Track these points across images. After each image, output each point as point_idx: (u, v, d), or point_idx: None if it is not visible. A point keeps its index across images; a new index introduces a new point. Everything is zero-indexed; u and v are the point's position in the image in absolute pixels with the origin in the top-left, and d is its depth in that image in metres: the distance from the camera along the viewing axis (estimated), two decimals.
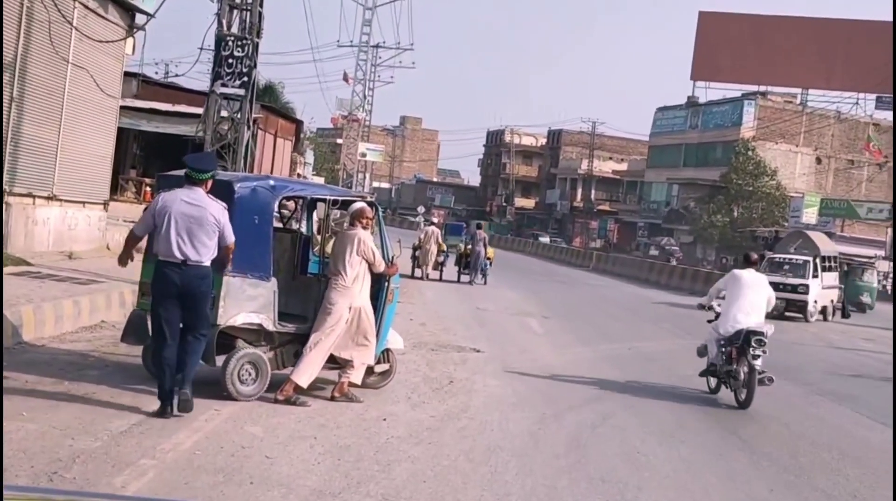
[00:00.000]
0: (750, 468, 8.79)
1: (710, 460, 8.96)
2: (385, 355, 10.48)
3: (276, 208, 9.71)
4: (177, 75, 56.31)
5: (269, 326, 9.25)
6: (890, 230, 62.00)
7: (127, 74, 32.32)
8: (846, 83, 72.76)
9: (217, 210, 8.23)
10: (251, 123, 16.27)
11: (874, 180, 72.38)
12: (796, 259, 30.62)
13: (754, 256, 13.30)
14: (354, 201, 10.16)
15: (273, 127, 43.97)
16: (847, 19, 75.84)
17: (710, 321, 12.95)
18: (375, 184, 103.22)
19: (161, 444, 7.20)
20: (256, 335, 9.31)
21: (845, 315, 31.52)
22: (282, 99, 61.05)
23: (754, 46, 76.10)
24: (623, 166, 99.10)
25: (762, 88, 75.83)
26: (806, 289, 28.65)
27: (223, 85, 15.92)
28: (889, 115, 71.42)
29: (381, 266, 9.69)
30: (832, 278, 31.27)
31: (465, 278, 30.96)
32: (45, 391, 8.57)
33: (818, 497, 7.98)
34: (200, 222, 8.15)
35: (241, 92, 16.15)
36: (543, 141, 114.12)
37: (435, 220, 40.24)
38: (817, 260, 29.86)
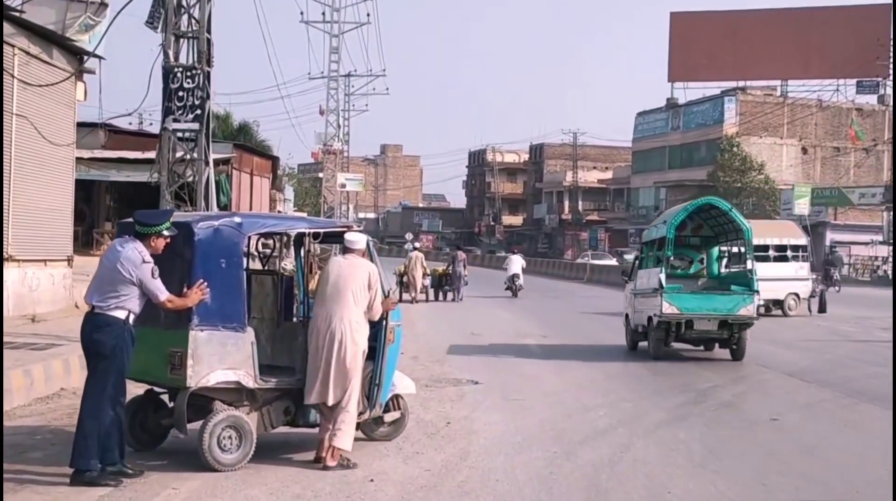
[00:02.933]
0: (799, 498, 7.60)
1: (753, 492, 7.76)
2: (395, 401, 9.34)
3: (246, 248, 8.69)
4: (151, 123, 55.41)
5: (250, 383, 8.16)
6: (885, 214, 61.08)
7: (91, 125, 31.49)
8: (824, 71, 72.02)
9: (127, 259, 7.57)
10: (209, 159, 15.06)
11: (862, 166, 71.59)
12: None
13: None
14: (340, 233, 9.20)
15: (248, 166, 43.05)
16: (820, 7, 75.15)
17: None
18: (361, 215, 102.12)
19: None
20: (236, 394, 8.23)
21: (822, 309, 29.14)
22: (257, 138, 60.15)
23: (729, 43, 75.39)
24: (608, 175, 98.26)
25: (741, 84, 75.12)
26: None
27: (175, 120, 14.74)
28: (871, 98, 70.82)
29: (378, 312, 8.56)
30: (791, 268, 28.67)
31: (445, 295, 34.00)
32: None
33: None
34: (112, 271, 7.63)
35: (195, 126, 14.97)
36: (526, 157, 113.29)
37: (418, 245, 40.90)
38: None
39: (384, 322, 8.69)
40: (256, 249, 10.02)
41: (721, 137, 70.23)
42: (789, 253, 28.84)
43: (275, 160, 50.59)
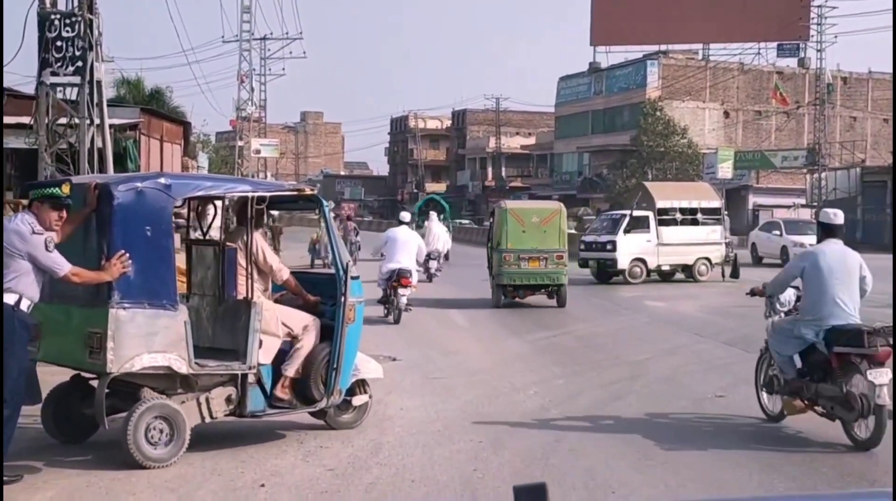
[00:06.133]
0: (762, 494, 6.56)
1: (708, 488, 6.70)
2: (360, 387, 8.43)
3: (174, 214, 7.74)
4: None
5: (182, 368, 7.22)
6: (808, 177, 61.33)
7: None
8: (745, 35, 71.78)
9: (14, 232, 6.57)
10: (96, 118, 13.52)
11: (783, 129, 71.83)
12: (614, 215, 28.99)
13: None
14: (288, 198, 8.53)
15: (158, 132, 41.12)
16: None
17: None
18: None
19: None
20: (168, 380, 7.35)
21: (734, 274, 27.85)
22: (171, 104, 57.95)
23: (651, 6, 74.75)
24: (531, 140, 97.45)
25: (663, 48, 74.70)
26: (613, 246, 26.38)
27: (53, 73, 13.15)
28: (792, 61, 70.84)
29: (282, 273, 7.92)
30: (702, 232, 27.35)
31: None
32: None
33: None
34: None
35: (76, 80, 13.40)
36: (448, 123, 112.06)
37: (342, 213, 39.32)
38: (649, 215, 26.81)
39: (343, 299, 7.73)
40: (195, 215, 8.85)
41: (644, 102, 69.73)
42: (700, 216, 27.70)
43: (186, 126, 48.49)
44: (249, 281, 7.80)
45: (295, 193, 8.61)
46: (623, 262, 26.45)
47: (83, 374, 7.73)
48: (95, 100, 13.86)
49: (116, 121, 24.05)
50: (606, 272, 26.96)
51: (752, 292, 9.08)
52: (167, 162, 42.55)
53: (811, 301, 8.21)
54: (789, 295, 8.79)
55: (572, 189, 78.99)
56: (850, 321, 7.98)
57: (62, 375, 7.78)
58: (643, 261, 26.72)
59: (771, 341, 8.71)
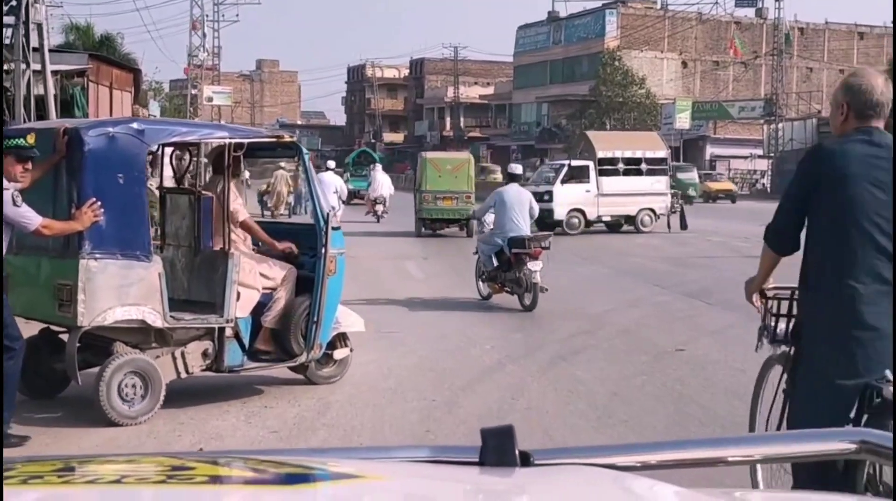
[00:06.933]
0: None
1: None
2: (342, 341, 8.17)
3: (149, 160, 7.71)
4: None
5: (157, 321, 6.95)
6: (765, 128, 61.39)
7: None
8: None
9: None
10: (30, 62, 12.85)
11: (741, 80, 71.71)
12: (554, 165, 29.00)
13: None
14: (267, 145, 8.28)
15: (107, 78, 40.14)
16: None
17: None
18: None
19: None
20: (142, 334, 7.09)
21: (682, 225, 26.62)
22: (122, 51, 56.64)
23: None
24: (490, 90, 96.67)
25: None
26: (550, 196, 26.00)
27: None
28: (749, 11, 70.63)
29: (237, 215, 7.67)
30: (646, 182, 26.86)
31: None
32: None
33: None
34: None
35: (10, 20, 12.72)
36: (406, 72, 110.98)
37: (284, 164, 38.47)
38: (589, 165, 26.74)
39: (323, 250, 7.40)
40: (170, 162, 8.55)
41: (602, 51, 69.29)
42: (644, 166, 27.27)
43: (137, 73, 47.43)
44: (226, 232, 7.46)
45: (274, 139, 8.25)
46: (560, 212, 26.11)
47: (53, 327, 7.42)
48: (34, 44, 13.22)
49: (63, 67, 23.27)
50: (546, 223, 26.62)
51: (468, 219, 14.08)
52: (117, 110, 41.50)
53: (498, 222, 12.78)
54: (490, 218, 13.19)
55: (531, 139, 78.57)
56: (521, 233, 12.59)
57: (31, 329, 7.38)
58: (582, 212, 26.38)
59: (479, 246, 13.40)
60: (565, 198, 26.17)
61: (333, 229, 7.61)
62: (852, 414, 3.87)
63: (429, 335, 10.69)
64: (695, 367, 9.05)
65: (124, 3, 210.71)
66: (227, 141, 7.63)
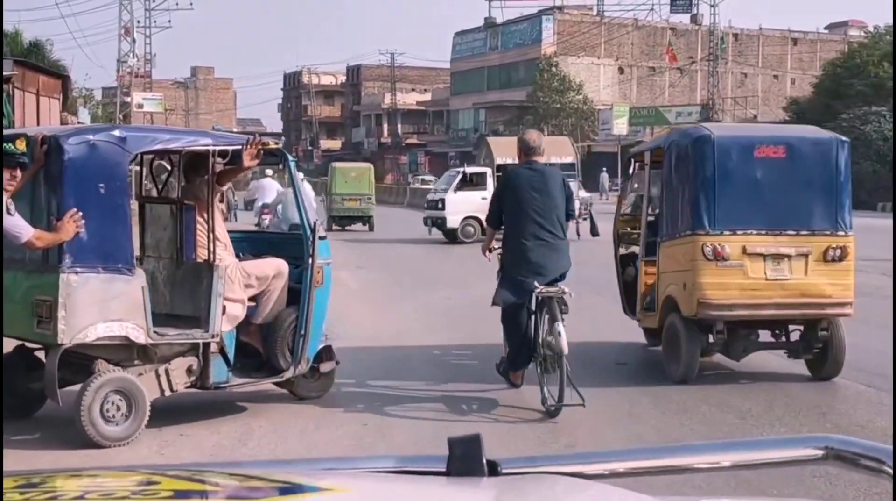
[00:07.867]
0: None
1: None
2: (327, 352, 7.85)
3: (129, 169, 7.31)
4: None
5: (140, 337, 6.66)
6: None
7: None
8: None
9: None
10: None
11: (677, 86, 72.32)
12: (453, 172, 29.00)
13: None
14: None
15: (34, 85, 39.16)
16: None
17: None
18: None
19: None
20: (124, 351, 6.82)
21: (593, 232, 26.81)
22: (51, 58, 55.35)
23: None
24: (427, 97, 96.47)
25: (558, 3, 74.39)
26: (443, 205, 25.97)
27: None
28: (685, 18, 71.23)
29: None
30: None
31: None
32: None
33: None
34: None
35: None
36: (343, 79, 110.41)
37: (268, 171, 37.49)
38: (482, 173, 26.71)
39: (311, 260, 7.22)
40: (151, 172, 8.16)
41: (539, 58, 69.43)
42: None
43: (65, 80, 46.33)
44: (211, 242, 7.03)
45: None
46: (453, 221, 25.79)
47: (28, 344, 7.10)
48: None
49: None
50: (446, 232, 26.27)
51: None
52: (44, 117, 40.49)
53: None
54: None
55: (468, 146, 78.28)
56: None
57: (6, 346, 6.95)
58: (478, 220, 25.92)
59: None
60: (459, 206, 25.79)
61: (320, 238, 7.35)
62: (526, 300, 7.65)
63: (365, 349, 10.12)
64: (641, 377, 8.61)
65: (52, 10, 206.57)
66: (212, 148, 7.26)
